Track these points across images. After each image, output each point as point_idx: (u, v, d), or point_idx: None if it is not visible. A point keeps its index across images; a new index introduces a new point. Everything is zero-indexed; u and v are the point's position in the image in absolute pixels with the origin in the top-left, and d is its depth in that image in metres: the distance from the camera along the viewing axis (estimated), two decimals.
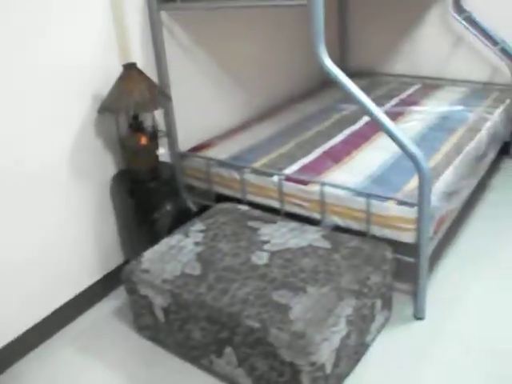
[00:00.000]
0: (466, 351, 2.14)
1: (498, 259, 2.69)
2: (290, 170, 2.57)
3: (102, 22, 2.45)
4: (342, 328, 1.87)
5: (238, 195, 2.70)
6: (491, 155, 3.17)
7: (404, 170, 2.44)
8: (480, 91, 3.66)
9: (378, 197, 2.24)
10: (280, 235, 2.27)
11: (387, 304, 2.24)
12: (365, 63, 4.35)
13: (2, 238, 2.17)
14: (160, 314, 2.15)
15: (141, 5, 2.61)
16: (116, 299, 2.64)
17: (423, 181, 2.06)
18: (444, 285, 2.54)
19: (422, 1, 3.92)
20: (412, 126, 3.03)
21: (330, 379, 1.86)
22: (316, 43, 2.12)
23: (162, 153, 2.55)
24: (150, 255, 2.25)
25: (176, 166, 2.84)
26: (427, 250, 2.21)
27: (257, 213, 2.49)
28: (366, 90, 3.77)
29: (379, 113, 2.09)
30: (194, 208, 2.92)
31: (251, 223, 2.39)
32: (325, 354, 1.77)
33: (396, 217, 2.20)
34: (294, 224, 2.36)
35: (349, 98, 2.15)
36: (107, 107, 2.36)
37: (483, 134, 2.95)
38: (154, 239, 2.47)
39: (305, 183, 2.44)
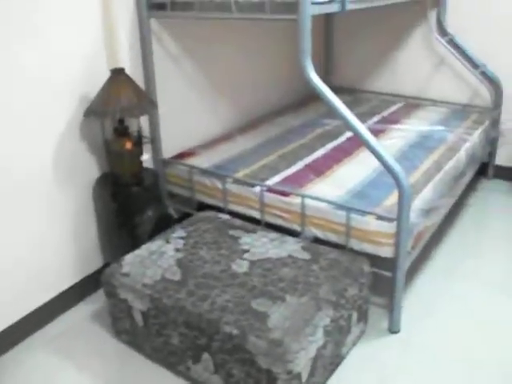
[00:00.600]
0: (439, 364, 2.18)
1: (471, 275, 2.75)
2: (271, 182, 2.60)
3: (92, 26, 2.46)
4: (319, 338, 1.90)
5: (220, 204, 2.72)
6: (469, 175, 3.24)
7: (384, 185, 2.48)
8: (460, 112, 3.74)
9: (357, 211, 2.28)
10: (260, 245, 2.30)
11: (363, 317, 2.27)
12: (349, 80, 4.42)
13: None
14: (139, 318, 2.15)
15: (131, 11, 2.63)
16: (94, 302, 2.63)
17: (403, 197, 2.11)
18: (419, 299, 2.58)
19: (407, 22, 4.00)
20: (393, 143, 3.09)
21: None
22: (303, 57, 2.17)
23: (146, 159, 2.57)
24: (130, 259, 2.26)
25: (159, 172, 2.85)
26: (404, 264, 2.25)
27: (238, 222, 2.52)
28: (349, 106, 3.76)
29: (362, 129, 2.14)
30: (175, 215, 2.94)
31: (232, 232, 2.41)
32: (301, 362, 1.80)
33: (375, 231, 2.24)
34: (274, 234, 2.39)
35: (332, 113, 2.19)
36: (93, 111, 2.37)
37: (462, 154, 3.02)
38: (134, 244, 2.48)
39: (286, 195, 2.47)
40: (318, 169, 2.73)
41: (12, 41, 2.14)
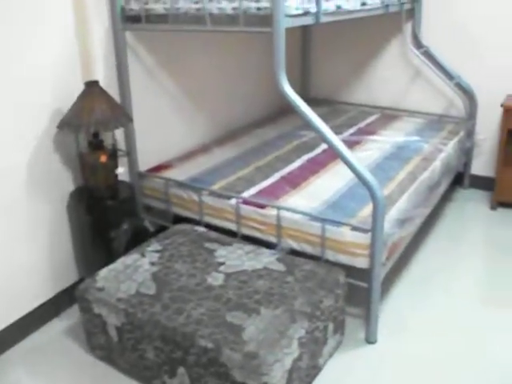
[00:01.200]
0: (417, 375, 2.19)
1: (448, 285, 2.77)
2: (247, 194, 2.60)
3: (66, 38, 2.46)
4: (294, 350, 1.90)
5: (196, 217, 2.71)
6: (444, 185, 3.27)
7: (359, 196, 2.50)
8: (436, 123, 3.79)
9: (332, 222, 2.29)
10: (236, 257, 2.29)
11: (340, 327, 2.27)
12: (327, 92, 4.45)
13: None
14: (113, 333, 2.13)
15: (106, 24, 2.63)
16: (69, 318, 2.60)
17: (377, 208, 2.12)
18: (396, 309, 2.59)
19: (383, 35, 4.05)
20: (369, 154, 3.11)
21: None
22: (277, 70, 2.17)
23: (121, 172, 2.55)
24: (105, 274, 2.24)
25: (135, 185, 2.84)
26: (379, 275, 2.26)
27: (214, 235, 2.51)
28: (326, 117, 3.85)
29: (336, 140, 2.15)
30: (151, 228, 2.92)
31: (208, 245, 2.41)
32: (277, 375, 1.79)
33: (350, 242, 2.25)
34: (250, 247, 2.39)
35: (308, 124, 2.20)
36: (67, 123, 2.36)
37: (437, 165, 3.05)
38: (109, 258, 2.46)
39: (262, 207, 2.48)
40: (294, 180, 2.74)
41: None
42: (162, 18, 2.52)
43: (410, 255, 3.05)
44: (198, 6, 2.37)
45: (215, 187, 2.69)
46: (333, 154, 2.93)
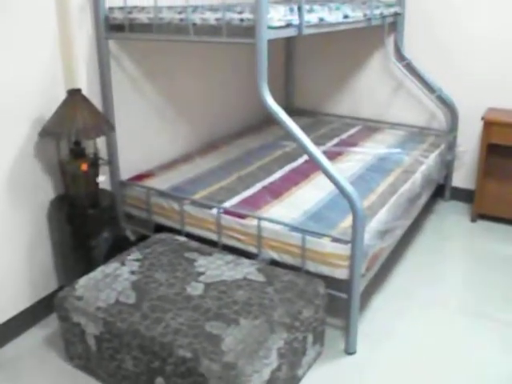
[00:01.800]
0: None
1: (428, 296, 2.79)
2: (229, 204, 2.61)
3: (49, 46, 2.46)
4: (272, 360, 1.90)
5: (177, 226, 2.71)
6: (425, 197, 3.30)
7: (340, 207, 2.51)
8: (417, 135, 3.82)
9: (313, 233, 2.30)
10: (216, 267, 2.29)
11: (319, 338, 2.28)
12: (310, 103, 4.47)
13: None
14: (92, 343, 2.12)
15: (89, 32, 2.63)
16: (48, 327, 2.58)
17: (357, 219, 2.14)
18: (375, 320, 2.60)
19: (366, 47, 4.09)
20: (350, 166, 3.14)
21: None
22: (260, 81, 2.18)
23: (102, 180, 2.55)
24: (84, 282, 2.23)
25: (116, 194, 2.83)
26: (359, 286, 2.27)
27: (194, 244, 2.51)
28: (309, 128, 3.88)
29: (317, 152, 2.16)
30: (132, 237, 2.91)
31: (188, 254, 2.40)
32: None
33: (330, 253, 2.26)
34: (230, 257, 2.39)
35: (289, 135, 2.22)
36: (49, 131, 2.35)
37: (418, 177, 3.08)
38: (90, 266, 2.45)
39: (242, 217, 2.48)
40: (276, 191, 2.75)
41: None
42: (145, 28, 2.53)
43: (390, 266, 3.07)
44: (181, 16, 2.38)
45: (197, 197, 2.69)
46: (315, 165, 2.94)
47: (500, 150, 3.60)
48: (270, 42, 2.19)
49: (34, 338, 2.51)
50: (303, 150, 2.19)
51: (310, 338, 2.18)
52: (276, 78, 4.35)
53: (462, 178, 3.96)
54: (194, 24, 2.34)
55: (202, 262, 2.34)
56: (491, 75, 3.66)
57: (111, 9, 2.63)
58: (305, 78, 4.45)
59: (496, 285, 2.91)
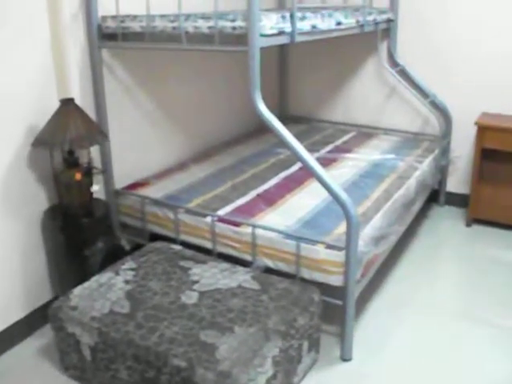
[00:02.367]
0: None
1: (423, 302, 2.79)
2: (223, 212, 2.60)
3: (42, 55, 2.46)
4: (268, 368, 1.89)
5: (172, 234, 2.70)
6: (420, 202, 3.31)
7: (335, 214, 2.51)
8: (411, 141, 3.83)
9: (307, 240, 2.30)
10: (210, 275, 2.29)
11: (315, 345, 2.27)
12: (305, 110, 4.48)
13: None
14: (87, 353, 2.11)
15: (82, 41, 2.63)
16: (43, 337, 2.57)
17: (351, 226, 2.14)
18: (371, 327, 2.60)
19: (359, 53, 4.10)
20: (344, 172, 3.14)
21: None
22: (252, 89, 2.19)
23: (96, 189, 2.54)
24: (78, 292, 2.22)
25: (111, 203, 2.83)
26: (354, 292, 2.27)
27: (189, 253, 2.51)
28: (303, 135, 3.88)
29: (310, 159, 2.16)
30: (127, 246, 2.90)
31: (183, 263, 2.40)
32: None
33: (324, 260, 2.26)
34: (224, 265, 2.39)
35: (282, 143, 2.22)
36: (42, 141, 2.35)
37: (412, 182, 3.08)
38: (84, 276, 2.43)
39: (237, 225, 2.48)
40: (270, 198, 2.75)
41: None
42: (138, 36, 2.54)
43: (385, 272, 3.07)
44: (174, 24, 2.39)
45: (191, 205, 2.69)
46: (309, 172, 2.95)
47: (494, 155, 3.61)
48: (264, 48, 2.19)
49: (28, 348, 2.50)
50: (296, 157, 2.19)
51: (306, 346, 2.17)
52: (270, 85, 4.35)
53: (457, 182, 3.97)
54: (187, 32, 2.35)
55: (196, 271, 2.33)
56: (484, 80, 3.68)
57: (104, 17, 2.64)
58: (299, 85, 4.46)
59: (492, 289, 2.91)
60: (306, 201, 2.72)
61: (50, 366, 2.37)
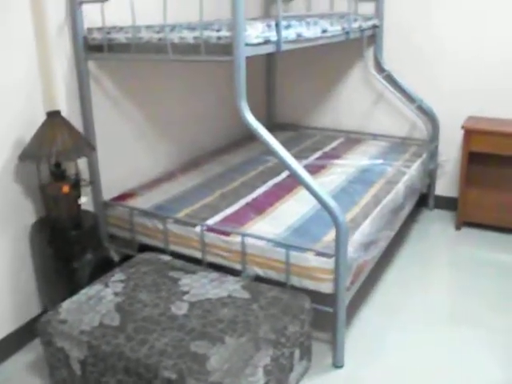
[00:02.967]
0: None
1: (414, 307, 2.79)
2: (212, 221, 2.60)
3: (28, 68, 2.45)
4: (259, 378, 1.89)
5: (161, 245, 2.70)
6: (409, 207, 3.31)
7: (324, 221, 2.51)
8: (399, 146, 3.85)
9: (297, 248, 2.30)
10: (200, 286, 2.28)
11: (306, 353, 2.27)
12: (291, 117, 4.49)
13: None
14: (76, 367, 2.09)
15: (68, 53, 2.62)
16: (31, 352, 2.54)
17: (340, 233, 2.14)
18: (363, 333, 2.60)
19: (346, 60, 4.12)
20: (333, 178, 3.14)
21: None
22: (239, 98, 2.19)
23: (84, 201, 2.53)
24: (67, 306, 2.20)
25: (99, 214, 2.81)
26: (344, 299, 2.27)
27: (178, 263, 2.50)
28: (291, 142, 3.89)
29: (298, 167, 2.17)
30: (116, 257, 2.89)
31: (172, 273, 2.39)
32: None
33: (314, 267, 2.26)
34: (214, 274, 2.38)
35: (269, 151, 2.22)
36: (28, 154, 2.34)
37: (400, 187, 3.09)
38: (73, 289, 2.42)
39: (226, 234, 2.48)
40: (259, 207, 2.75)
41: None
42: (124, 47, 2.54)
43: (376, 278, 3.07)
44: (159, 35, 2.39)
45: (180, 215, 2.68)
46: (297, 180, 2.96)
47: (481, 158, 3.63)
48: (250, 57, 2.20)
49: (17, 363, 2.47)
50: (284, 165, 2.20)
51: (297, 354, 2.17)
52: (257, 93, 4.36)
53: (445, 186, 3.99)
54: (173, 43, 2.35)
55: (186, 281, 2.32)
56: (470, 84, 3.71)
57: (90, 29, 2.64)
58: (286, 92, 4.47)
59: (484, 292, 2.92)
60: (295, 208, 2.73)
61: (40, 381, 2.35)
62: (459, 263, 3.24)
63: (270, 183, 3.11)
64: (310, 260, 2.26)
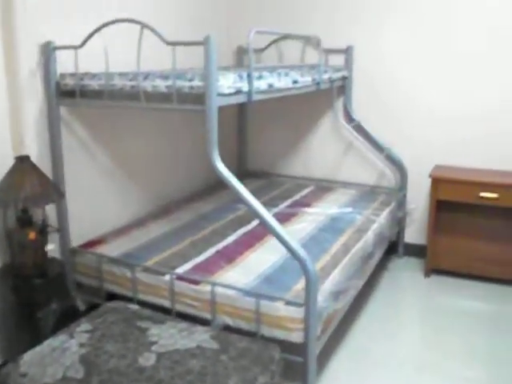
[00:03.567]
0: None
1: (385, 355, 2.77)
2: (182, 269, 2.57)
3: None
4: None
5: (129, 294, 2.64)
6: (378, 255, 3.34)
7: (294, 270, 2.49)
8: (368, 194, 3.90)
9: (267, 297, 2.28)
10: (169, 336, 2.23)
11: None
12: (263, 165, 4.51)
13: None
14: None
15: (39, 97, 2.62)
16: None
17: (309, 282, 2.14)
18: (334, 382, 2.56)
19: (316, 110, 4.19)
20: (303, 227, 3.15)
21: None
22: (210, 147, 2.21)
23: (51, 248, 2.49)
24: (29, 357, 2.13)
25: (66, 262, 2.76)
26: (315, 349, 2.25)
27: (147, 312, 2.45)
28: (262, 190, 3.90)
29: (267, 216, 2.17)
30: (82, 307, 2.82)
31: (140, 323, 2.34)
32: None
33: (284, 317, 2.24)
34: (183, 324, 2.34)
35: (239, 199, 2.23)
36: None
37: (370, 235, 3.12)
38: (36, 340, 2.34)
39: (196, 283, 2.45)
40: (229, 255, 2.73)
41: None
42: (97, 94, 2.54)
43: (346, 326, 3.05)
44: (132, 83, 2.41)
45: (149, 263, 2.65)
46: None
47: (450, 206, 3.69)
48: (222, 106, 2.22)
49: None
50: (254, 214, 2.20)
51: None
52: (229, 140, 4.39)
53: (414, 234, 4.03)
54: (145, 91, 2.36)
55: (154, 331, 2.27)
56: (436, 134, 3.80)
57: (62, 75, 2.64)
58: (257, 140, 4.51)
59: (452, 340, 2.92)
60: (265, 256, 2.72)
61: None
62: (429, 311, 3.26)
63: (241, 231, 3.09)
64: (280, 309, 2.25)
